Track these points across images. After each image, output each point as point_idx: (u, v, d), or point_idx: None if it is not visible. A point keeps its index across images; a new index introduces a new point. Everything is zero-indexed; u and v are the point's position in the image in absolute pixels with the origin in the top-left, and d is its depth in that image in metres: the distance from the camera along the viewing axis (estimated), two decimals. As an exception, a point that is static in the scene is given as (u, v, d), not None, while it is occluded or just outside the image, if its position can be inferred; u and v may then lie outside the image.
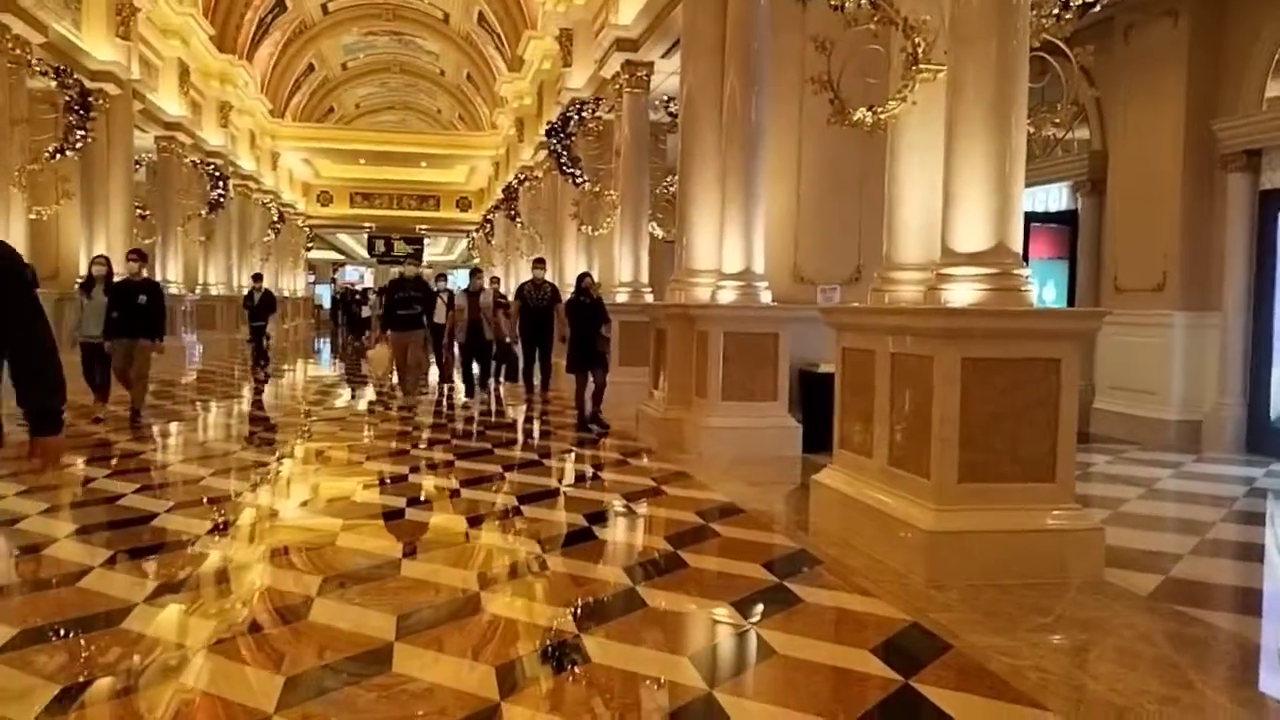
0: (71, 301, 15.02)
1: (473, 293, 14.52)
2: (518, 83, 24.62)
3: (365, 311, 25.95)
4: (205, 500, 7.23)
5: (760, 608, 4.76)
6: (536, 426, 11.59)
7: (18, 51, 12.54)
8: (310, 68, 34.34)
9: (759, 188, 9.30)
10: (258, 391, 15.72)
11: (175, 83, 20.81)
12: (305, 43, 31.49)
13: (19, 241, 12.71)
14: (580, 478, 8.57)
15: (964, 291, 5.24)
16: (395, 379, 13.75)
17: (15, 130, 12.74)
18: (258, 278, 19.45)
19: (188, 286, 21.56)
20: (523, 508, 7.04)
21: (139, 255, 11.48)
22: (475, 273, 15.37)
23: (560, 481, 8.29)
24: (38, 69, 13.32)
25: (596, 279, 13.53)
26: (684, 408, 9.64)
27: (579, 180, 15.34)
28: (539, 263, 14.74)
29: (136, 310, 10.77)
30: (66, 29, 14.63)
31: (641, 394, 11.01)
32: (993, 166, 5.15)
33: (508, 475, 8.37)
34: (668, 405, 9.94)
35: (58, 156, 13.88)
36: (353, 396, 15.15)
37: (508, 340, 14.73)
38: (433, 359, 15.60)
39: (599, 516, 6.80)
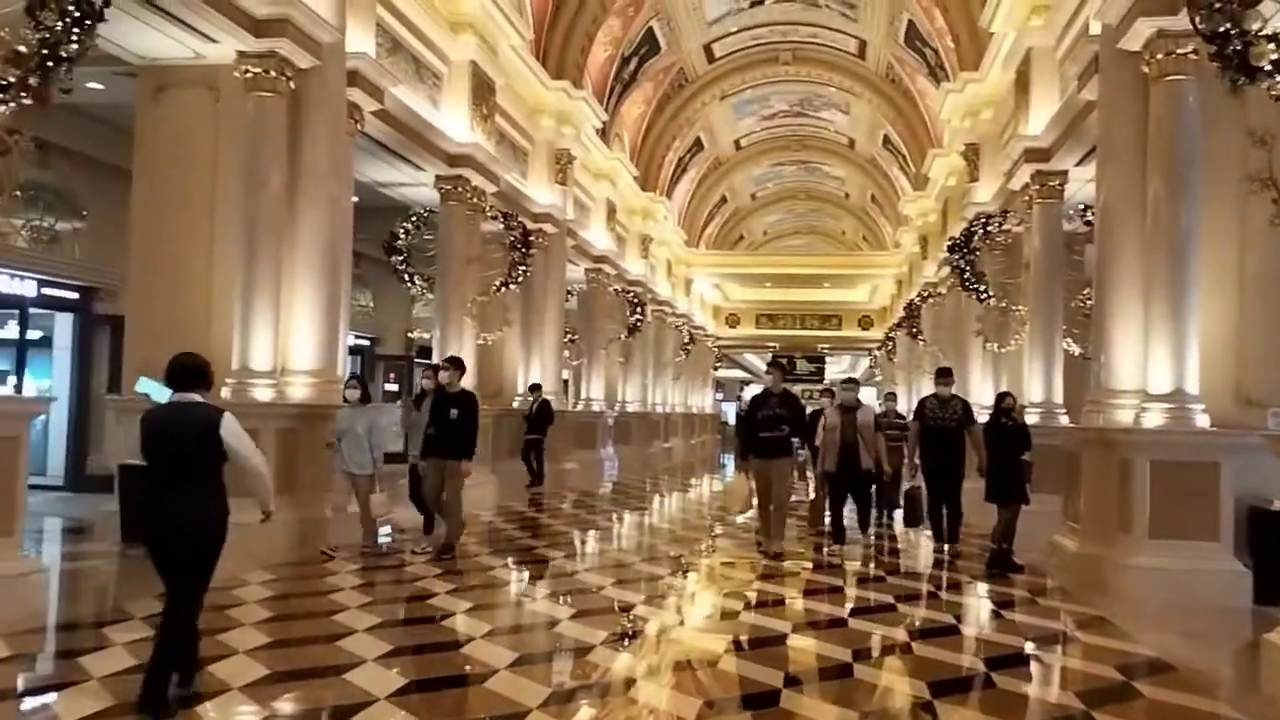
0: (509, 418, 16.79)
1: (848, 408, 11.47)
2: (922, 200, 24.41)
3: None
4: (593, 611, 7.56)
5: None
6: (935, 554, 10.92)
7: (475, 200, 14.47)
8: (723, 199, 36.45)
9: (1190, 299, 8.34)
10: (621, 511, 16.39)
11: (604, 220, 22.96)
12: (719, 177, 33.56)
13: (468, 364, 14.44)
14: (982, 615, 7.94)
15: None
16: (758, 519, 10.92)
17: (469, 267, 14.62)
18: (535, 388, 17.19)
19: (608, 404, 23.26)
20: (913, 644, 6.62)
21: (454, 363, 10.08)
22: (850, 383, 12.23)
23: (959, 618, 7.73)
24: (490, 214, 15.27)
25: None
26: (1103, 544, 8.66)
27: (984, 295, 14.70)
28: (944, 374, 11.54)
29: (448, 425, 9.57)
30: (515, 179, 16.71)
31: (1053, 524, 10.07)
32: None
33: (900, 606, 7.96)
34: (1084, 540, 9.00)
35: (503, 289, 15.70)
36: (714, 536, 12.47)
37: (885, 470, 11.90)
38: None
39: (1001, 662, 6.22)
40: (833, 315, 40.70)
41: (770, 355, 44.84)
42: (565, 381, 21.36)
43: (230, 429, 4.91)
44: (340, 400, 9.93)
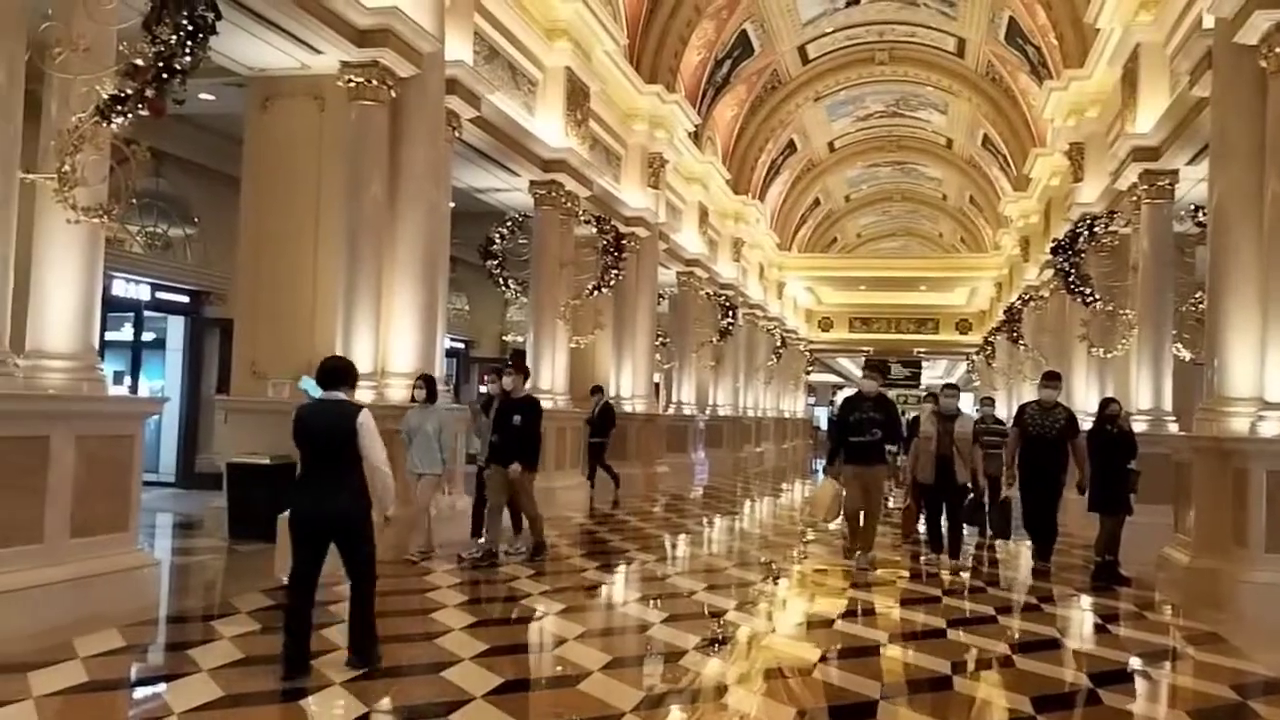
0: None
1: (947, 416, 10.41)
2: (1023, 201, 23.80)
3: None
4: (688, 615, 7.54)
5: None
6: (1034, 567, 10.59)
7: (568, 204, 14.61)
8: (816, 202, 36.09)
9: (1313, 304, 7.94)
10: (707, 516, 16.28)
11: (695, 223, 22.94)
12: (812, 179, 33.22)
13: (560, 368, 14.59)
14: (1087, 630, 7.69)
15: None
16: (845, 529, 10.63)
17: (563, 271, 14.77)
18: (597, 390, 16.11)
19: (699, 407, 23.20)
20: (1014, 657, 6.44)
21: (517, 366, 9.88)
22: (952, 390, 11.12)
23: (1063, 632, 7.49)
24: (583, 218, 15.39)
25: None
26: (1216, 557, 8.30)
27: (1089, 299, 14.24)
28: (1051, 379, 10.82)
29: (511, 432, 9.32)
30: (608, 183, 16.81)
31: (1161, 536, 9.68)
32: None
33: (1000, 619, 7.75)
34: (1195, 553, 8.64)
35: (595, 293, 15.81)
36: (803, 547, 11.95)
37: (981, 481, 10.72)
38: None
39: (1107, 678, 6.00)
40: (929, 319, 39.92)
41: (864, 359, 44.41)
42: (656, 385, 21.39)
43: (365, 424, 5.43)
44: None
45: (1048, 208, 21.59)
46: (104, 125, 5.86)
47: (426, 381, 9.45)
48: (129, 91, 5.79)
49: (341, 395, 5.61)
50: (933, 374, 48.87)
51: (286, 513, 5.47)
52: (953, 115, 28.40)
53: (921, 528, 11.48)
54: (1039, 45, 19.89)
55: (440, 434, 9.28)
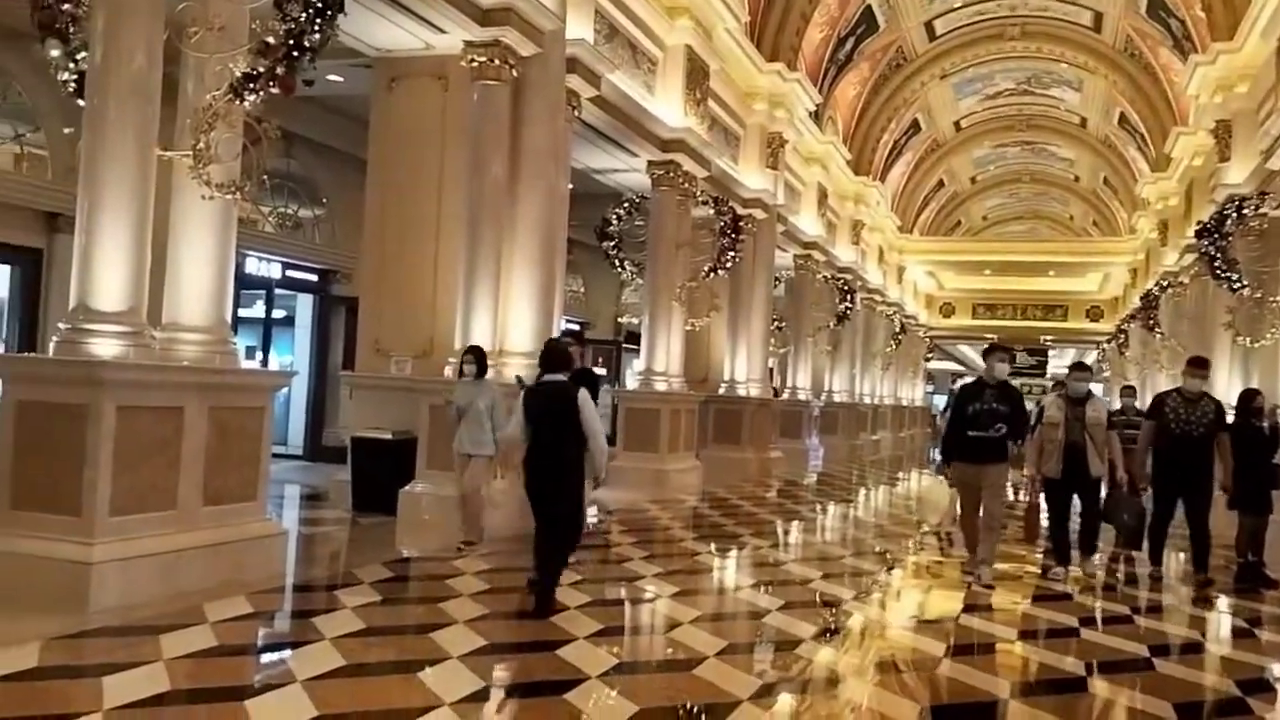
0: (716, 404, 16.78)
1: (1076, 401, 8.85)
2: (1162, 183, 22.66)
3: None
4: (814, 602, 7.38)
5: None
6: (1175, 565, 10.02)
7: (686, 185, 14.47)
8: (940, 183, 35.08)
9: None
10: (848, 500, 15.94)
11: (815, 205, 22.52)
12: (936, 160, 32.28)
13: (675, 348, 14.51)
14: (1232, 634, 7.24)
15: None
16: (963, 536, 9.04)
17: (679, 252, 14.66)
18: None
19: (814, 393, 22.84)
20: (1154, 660, 6.09)
21: (576, 341, 8.85)
22: (1081, 369, 9.46)
23: (1204, 634, 7.07)
24: (700, 199, 15.24)
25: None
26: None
27: (1237, 285, 13.44)
28: (1198, 365, 9.19)
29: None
30: (726, 164, 16.61)
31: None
32: None
33: (1136, 619, 7.36)
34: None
35: (711, 275, 15.67)
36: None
37: (1120, 478, 9.14)
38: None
39: (1256, 685, 5.63)
40: (1057, 305, 38.44)
41: (986, 346, 43.10)
42: (770, 369, 21.13)
43: (585, 403, 6.45)
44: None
45: (1189, 189, 20.50)
46: (237, 103, 6.01)
47: (476, 355, 8.64)
48: (261, 69, 5.91)
49: (561, 377, 6.60)
50: (1059, 363, 47.13)
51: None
52: (1087, 93, 27.17)
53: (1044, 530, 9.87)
54: (1183, 18, 18.83)
55: (493, 411, 8.40)
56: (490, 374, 8.78)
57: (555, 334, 11.01)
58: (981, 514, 8.38)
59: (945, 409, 25.28)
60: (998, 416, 8.06)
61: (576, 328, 22.71)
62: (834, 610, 7.15)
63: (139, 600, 5.68)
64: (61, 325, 6.04)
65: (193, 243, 6.50)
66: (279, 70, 5.90)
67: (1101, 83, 25.27)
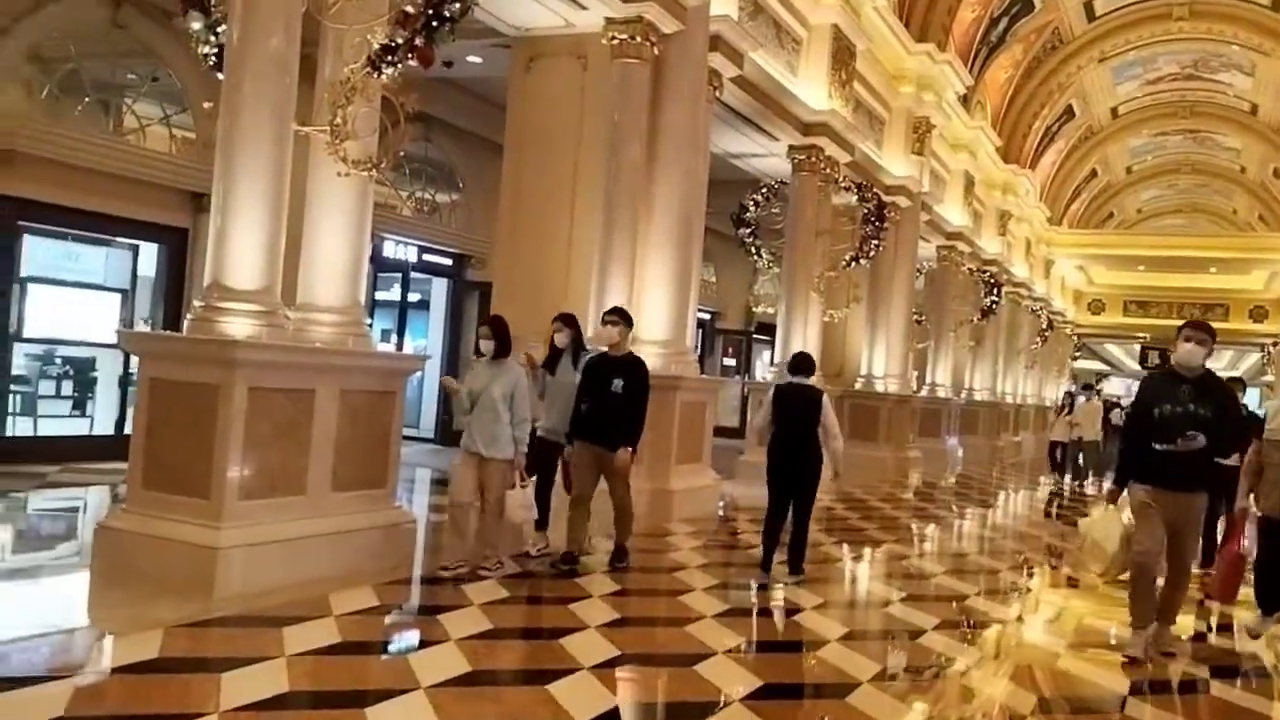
0: (851, 399, 16.09)
1: None
2: (1348, 173, 20.82)
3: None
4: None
5: None
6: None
7: (828, 170, 13.86)
8: (1093, 173, 33.27)
9: None
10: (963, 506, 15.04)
11: (960, 194, 21.50)
12: (1090, 148, 30.59)
13: (812, 341, 13.91)
14: None
15: None
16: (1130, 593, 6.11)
17: (819, 240, 14.05)
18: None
19: (954, 391, 21.87)
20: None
21: (619, 315, 7.32)
22: None
23: None
24: (842, 185, 14.60)
25: None
26: None
27: None
28: None
29: (608, 401, 7.00)
30: (869, 149, 15.88)
31: None
32: None
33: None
34: None
35: (853, 264, 15.00)
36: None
37: None
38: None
39: None
40: (1217, 304, 36.00)
41: (1138, 346, 40.76)
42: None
43: (826, 406, 7.50)
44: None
45: (1382, 180, 18.73)
46: (375, 76, 5.79)
47: (495, 328, 6.80)
48: (399, 41, 5.68)
49: (808, 380, 7.64)
50: (1216, 366, 44.36)
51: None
52: (1260, 77, 25.25)
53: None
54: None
55: (512, 400, 6.64)
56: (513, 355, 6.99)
57: (691, 322, 10.60)
58: (1167, 561, 5.98)
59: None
60: (1197, 423, 5.72)
61: (707, 317, 22.26)
62: (979, 632, 6.53)
63: (264, 587, 5.52)
64: (196, 303, 5.94)
65: (328, 221, 6.34)
66: (418, 41, 5.65)
67: (1277, 66, 23.42)
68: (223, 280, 5.79)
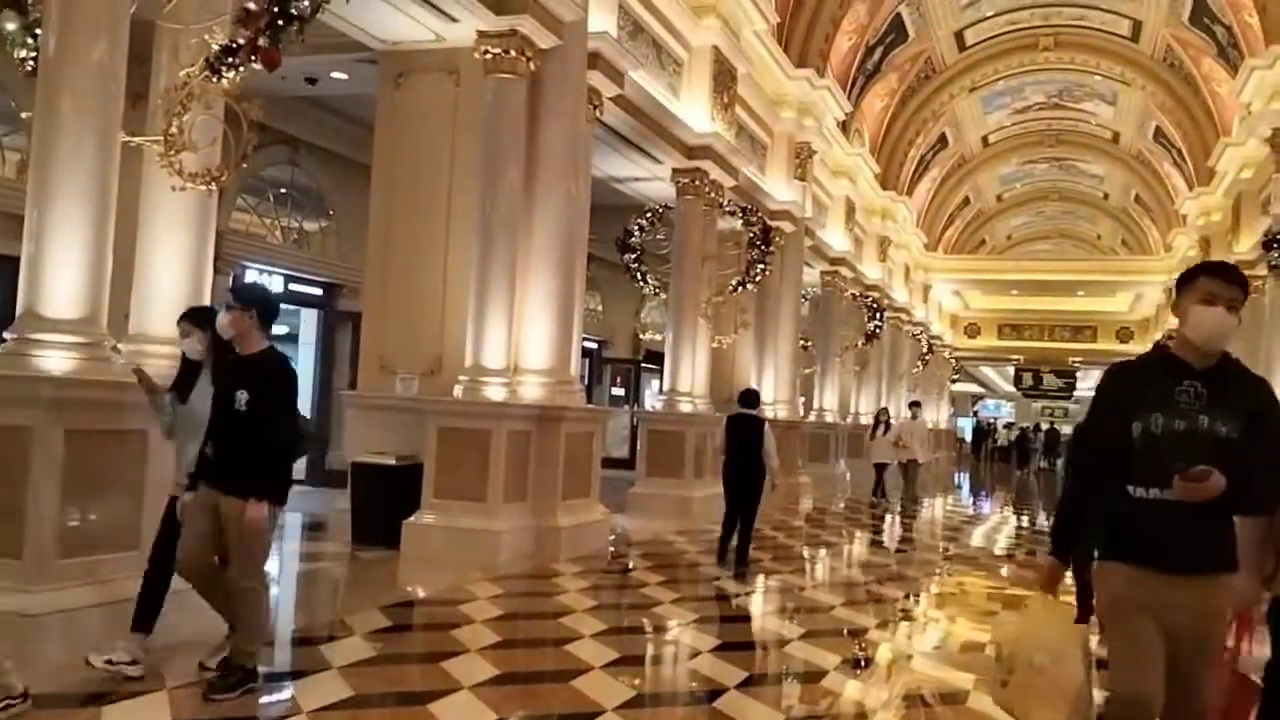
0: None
1: None
2: (1204, 198, 21.72)
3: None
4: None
5: None
6: None
7: (712, 194, 13.63)
8: (966, 200, 34.20)
9: None
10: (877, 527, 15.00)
11: (842, 219, 21.67)
12: (963, 176, 31.42)
13: (701, 367, 13.62)
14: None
15: None
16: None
17: (705, 265, 13.80)
18: None
19: (841, 415, 21.91)
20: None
21: (235, 295, 4.94)
22: None
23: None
24: (727, 209, 14.40)
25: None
26: None
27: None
28: None
29: (234, 422, 4.73)
30: (752, 173, 15.76)
31: None
32: None
33: None
34: None
35: (740, 289, 14.80)
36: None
37: None
38: None
39: None
40: (1086, 326, 37.44)
41: (1012, 369, 41.97)
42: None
43: (767, 432, 9.46)
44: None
45: (1237, 203, 19.55)
46: (214, 80, 5.20)
47: (198, 322, 5.02)
48: (241, 41, 5.11)
49: (753, 412, 9.61)
50: (1087, 385, 46.11)
51: None
52: (1122, 106, 26.32)
53: None
54: (1229, 24, 18.01)
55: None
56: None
57: (575, 350, 10.16)
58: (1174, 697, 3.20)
59: (974, 437, 22.18)
60: (1219, 447, 3.16)
61: (594, 346, 21.84)
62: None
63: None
64: (6, 335, 5.20)
65: (165, 243, 5.69)
66: (261, 41, 5.10)
67: (1137, 95, 24.44)
68: (37, 309, 5.08)
